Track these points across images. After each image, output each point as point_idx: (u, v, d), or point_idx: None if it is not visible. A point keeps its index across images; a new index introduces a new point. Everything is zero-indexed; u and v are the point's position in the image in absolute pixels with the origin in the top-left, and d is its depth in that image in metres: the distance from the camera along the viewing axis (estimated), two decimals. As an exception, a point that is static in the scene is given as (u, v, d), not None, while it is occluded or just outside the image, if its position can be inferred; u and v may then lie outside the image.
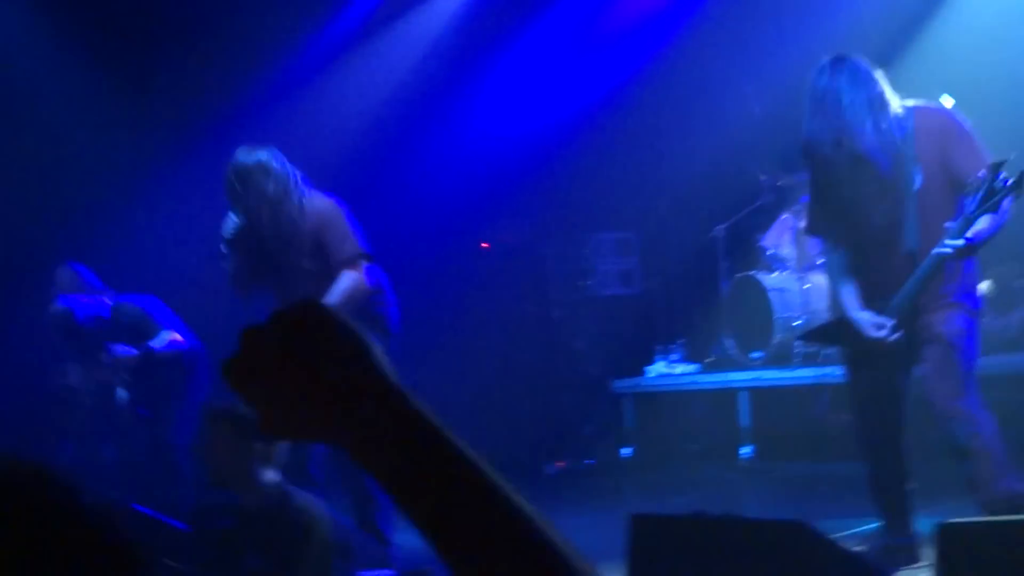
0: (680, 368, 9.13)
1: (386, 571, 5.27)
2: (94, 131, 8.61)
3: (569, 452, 9.35)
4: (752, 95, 8.89)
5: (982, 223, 4.39)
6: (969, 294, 4.74)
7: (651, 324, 9.82)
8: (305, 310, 1.06)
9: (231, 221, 5.57)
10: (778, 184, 8.83)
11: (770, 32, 8.58)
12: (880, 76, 4.63)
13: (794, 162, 8.45)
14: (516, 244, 10.00)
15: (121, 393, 6.80)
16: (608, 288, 9.87)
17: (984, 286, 6.83)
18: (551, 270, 9.99)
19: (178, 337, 6.59)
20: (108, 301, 6.72)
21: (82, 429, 7.45)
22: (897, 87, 4.71)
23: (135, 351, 6.46)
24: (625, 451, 9.14)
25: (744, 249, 9.08)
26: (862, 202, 4.68)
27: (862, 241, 4.75)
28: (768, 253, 8.77)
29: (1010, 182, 4.33)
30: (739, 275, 8.79)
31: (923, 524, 4.72)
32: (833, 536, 3.66)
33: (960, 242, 4.40)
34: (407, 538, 5.96)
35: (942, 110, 4.86)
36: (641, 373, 9.25)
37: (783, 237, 8.70)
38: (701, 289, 9.68)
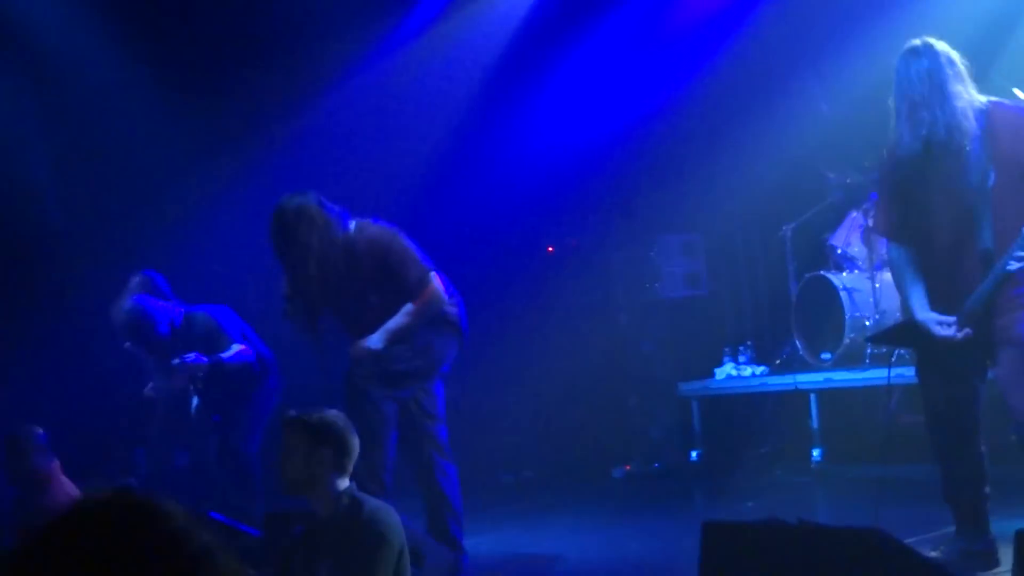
0: (748, 370, 9.05)
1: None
2: (169, 144, 8.79)
3: (637, 456, 9.32)
4: (819, 93, 8.80)
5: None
6: (1043, 295, 4.66)
7: (719, 326, 9.76)
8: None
9: (285, 280, 5.59)
10: (847, 182, 8.72)
11: (837, 30, 8.47)
12: (964, 65, 4.54)
13: (861, 159, 8.37)
14: (582, 248, 9.99)
15: (194, 401, 6.89)
16: (675, 290, 9.81)
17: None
18: (617, 273, 9.96)
19: (247, 350, 6.66)
20: (182, 309, 6.80)
21: (155, 437, 7.55)
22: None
23: (205, 360, 6.53)
24: (693, 454, 9.09)
25: (812, 249, 8.98)
26: (942, 199, 4.60)
27: (934, 240, 4.67)
28: (837, 252, 8.66)
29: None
30: (809, 275, 8.68)
31: (1000, 528, 4.63)
32: (907, 541, 3.60)
33: None
34: (474, 544, 5.97)
35: (1019, 107, 4.75)
36: (709, 375, 9.20)
37: (852, 235, 8.59)
38: (769, 290, 9.60)
